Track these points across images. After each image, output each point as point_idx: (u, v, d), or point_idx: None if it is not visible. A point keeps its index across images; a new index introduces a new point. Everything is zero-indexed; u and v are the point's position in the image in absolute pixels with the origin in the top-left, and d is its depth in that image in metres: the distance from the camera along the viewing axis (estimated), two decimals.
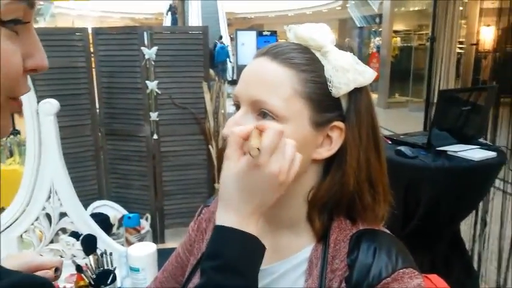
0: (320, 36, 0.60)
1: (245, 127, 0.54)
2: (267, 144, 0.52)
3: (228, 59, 13.50)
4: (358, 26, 15.09)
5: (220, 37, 14.11)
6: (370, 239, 0.59)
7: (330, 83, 0.58)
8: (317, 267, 0.59)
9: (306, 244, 0.62)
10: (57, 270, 0.78)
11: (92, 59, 2.79)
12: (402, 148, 1.81)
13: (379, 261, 0.55)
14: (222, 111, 3.01)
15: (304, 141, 0.58)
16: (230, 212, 0.54)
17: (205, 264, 0.53)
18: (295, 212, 0.63)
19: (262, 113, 0.57)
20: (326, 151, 0.60)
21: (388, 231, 0.63)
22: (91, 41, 2.78)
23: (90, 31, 2.77)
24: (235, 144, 0.53)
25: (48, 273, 0.76)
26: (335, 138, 0.60)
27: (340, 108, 0.60)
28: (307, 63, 0.59)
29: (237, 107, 0.62)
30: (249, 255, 0.53)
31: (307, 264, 0.60)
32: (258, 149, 0.50)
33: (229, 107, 3.19)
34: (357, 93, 0.60)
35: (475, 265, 2.27)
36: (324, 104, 0.59)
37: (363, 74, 0.59)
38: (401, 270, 0.55)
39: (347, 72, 0.58)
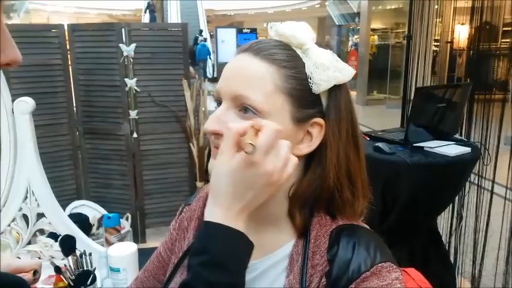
0: (301, 34, 0.61)
1: (242, 124, 0.54)
2: (263, 142, 0.52)
3: (208, 57, 13.43)
4: (337, 24, 15.23)
5: (201, 31, 13.99)
6: (349, 234, 0.60)
7: (311, 79, 0.59)
8: (298, 263, 0.59)
9: (286, 240, 0.63)
10: (36, 272, 0.77)
11: (69, 56, 2.74)
12: (380, 144, 1.84)
13: (358, 256, 0.57)
14: (203, 109, 3.00)
15: (286, 137, 0.58)
16: (220, 208, 0.54)
17: (192, 259, 0.53)
18: (277, 208, 0.63)
19: (244, 108, 0.58)
20: (306, 147, 0.61)
21: (366, 226, 0.65)
22: (67, 37, 2.72)
23: (66, 28, 2.72)
24: (230, 140, 0.53)
25: (27, 276, 0.75)
26: (315, 135, 0.61)
27: (320, 104, 0.61)
28: (289, 60, 0.59)
29: (219, 103, 0.62)
30: (237, 252, 0.53)
31: (288, 260, 0.61)
32: (252, 145, 0.50)
33: (210, 104, 3.18)
34: (337, 90, 0.61)
35: (452, 258, 2.33)
36: (304, 100, 0.60)
37: (342, 72, 0.60)
38: (379, 265, 0.56)
39: (327, 70, 0.59)
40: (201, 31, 14.00)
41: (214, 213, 0.54)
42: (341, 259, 0.57)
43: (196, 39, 12.95)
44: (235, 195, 0.53)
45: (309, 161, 0.62)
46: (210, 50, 13.73)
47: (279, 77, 0.58)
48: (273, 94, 0.58)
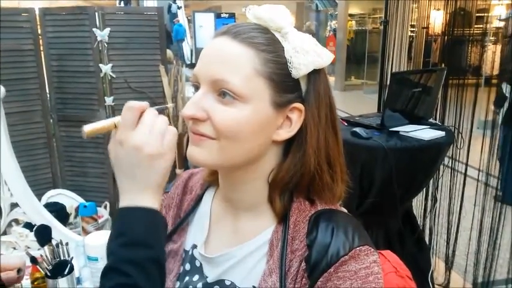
0: (279, 18, 0.60)
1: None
2: (122, 119, 0.55)
3: (185, 38, 13.16)
4: (316, 9, 15.18)
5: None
6: (327, 218, 0.60)
7: (290, 63, 0.58)
8: (277, 248, 0.60)
9: (266, 226, 0.63)
10: (20, 270, 0.76)
11: (40, 41, 2.65)
12: (357, 129, 1.86)
13: (336, 240, 0.57)
14: (181, 95, 2.95)
15: (265, 122, 0.58)
16: (122, 192, 0.56)
17: (110, 245, 0.54)
18: (256, 194, 0.63)
19: (222, 92, 0.57)
20: (286, 132, 0.60)
21: (344, 210, 0.65)
22: (38, 22, 2.63)
23: (37, 11, 2.62)
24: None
25: (10, 274, 0.74)
26: (295, 120, 0.60)
27: (300, 89, 0.60)
28: (268, 43, 0.58)
29: (196, 87, 0.61)
30: (151, 227, 0.54)
31: (268, 246, 0.61)
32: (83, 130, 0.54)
33: (189, 90, 3.15)
34: (316, 75, 0.61)
35: (426, 239, 2.40)
36: (284, 85, 0.59)
37: (322, 56, 0.60)
38: (357, 248, 0.56)
39: (307, 54, 0.58)
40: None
41: (121, 199, 0.56)
42: (320, 243, 0.57)
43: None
44: (127, 177, 0.56)
45: (287, 146, 0.62)
46: (187, 32, 13.44)
47: (259, 60, 0.57)
48: (252, 78, 0.57)
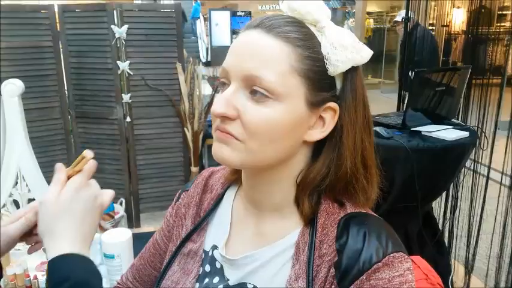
0: (316, 10, 0.56)
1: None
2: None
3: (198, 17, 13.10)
4: (333, 6, 15.06)
5: None
6: (359, 222, 0.57)
7: (327, 60, 0.55)
8: (304, 252, 0.57)
9: (292, 229, 0.60)
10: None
11: (59, 38, 2.67)
12: (377, 129, 1.82)
13: (369, 245, 0.54)
14: (197, 93, 2.95)
15: (298, 123, 0.55)
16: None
17: None
18: (282, 195, 0.61)
19: (254, 90, 0.54)
20: (318, 133, 0.57)
21: (375, 214, 0.62)
22: (57, 19, 2.65)
23: (56, 9, 2.64)
24: None
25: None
26: (328, 120, 0.57)
27: (334, 87, 0.57)
28: (305, 38, 0.55)
29: (223, 84, 0.57)
30: (93, 272, 0.56)
31: (293, 249, 0.58)
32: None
33: (205, 88, 3.13)
34: (353, 72, 0.57)
35: (446, 242, 2.34)
36: (320, 83, 0.56)
37: (361, 52, 0.56)
38: (391, 255, 0.53)
39: (345, 50, 0.55)
40: None
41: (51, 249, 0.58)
42: (351, 249, 0.54)
43: None
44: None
45: (317, 146, 0.59)
46: (203, 30, 13.42)
47: (295, 56, 0.54)
48: (288, 75, 0.53)
